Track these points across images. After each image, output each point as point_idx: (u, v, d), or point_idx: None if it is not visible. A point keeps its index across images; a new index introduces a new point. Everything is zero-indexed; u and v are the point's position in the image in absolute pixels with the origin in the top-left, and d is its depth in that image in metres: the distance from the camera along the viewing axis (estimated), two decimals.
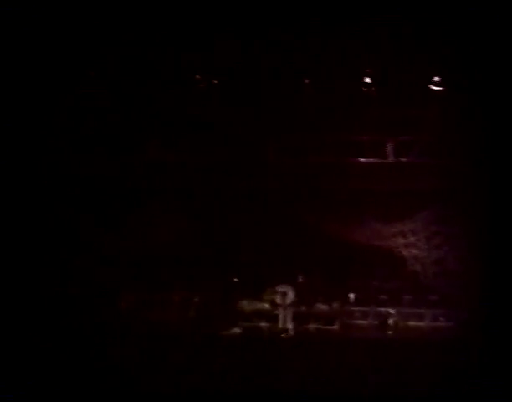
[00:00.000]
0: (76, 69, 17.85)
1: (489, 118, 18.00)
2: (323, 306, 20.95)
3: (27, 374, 16.32)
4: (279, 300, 20.13)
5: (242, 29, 17.38)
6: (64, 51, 17.15)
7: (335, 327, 20.68)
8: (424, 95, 18.90)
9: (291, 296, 20.06)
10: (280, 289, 20.16)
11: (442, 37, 17.45)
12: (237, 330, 20.07)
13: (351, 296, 21.08)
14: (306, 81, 18.80)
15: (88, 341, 18.06)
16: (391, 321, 20.39)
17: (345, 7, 16.86)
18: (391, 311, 20.58)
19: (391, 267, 21.25)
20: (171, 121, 19.66)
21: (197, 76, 18.77)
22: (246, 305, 20.83)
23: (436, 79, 18.73)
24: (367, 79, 18.82)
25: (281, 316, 20.05)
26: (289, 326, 19.93)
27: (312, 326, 20.68)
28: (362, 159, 20.17)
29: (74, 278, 19.56)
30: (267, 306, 20.62)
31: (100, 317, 19.20)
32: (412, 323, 20.72)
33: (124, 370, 17.43)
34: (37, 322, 17.66)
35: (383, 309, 20.70)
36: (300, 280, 20.79)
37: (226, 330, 19.78)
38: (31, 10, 16.08)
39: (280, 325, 20.03)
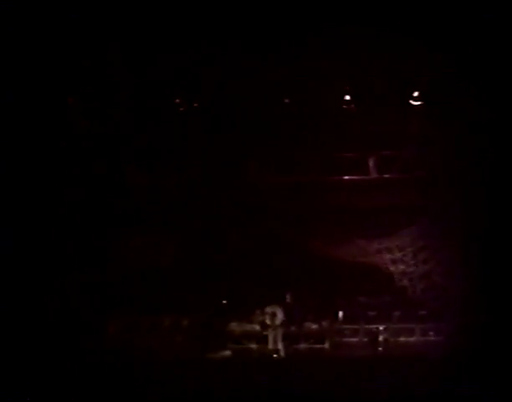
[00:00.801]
0: (54, 94, 17.87)
1: (473, 131, 18.10)
2: (312, 325, 20.92)
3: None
4: (268, 320, 20.05)
5: (220, 50, 17.46)
6: (42, 76, 17.17)
7: (325, 345, 20.65)
8: (405, 110, 18.96)
9: (280, 316, 19.99)
10: (269, 310, 20.11)
11: (422, 51, 17.55)
12: (226, 352, 20.04)
13: (340, 313, 21.06)
14: (286, 100, 18.88)
15: (74, 366, 17.94)
16: (381, 337, 20.39)
17: (322, 23, 16.95)
18: (381, 327, 20.57)
19: (379, 283, 21.25)
20: (151, 144, 19.74)
21: (177, 100, 18.87)
22: (235, 327, 20.78)
23: (416, 93, 18.78)
24: (347, 97, 18.88)
25: (271, 337, 19.95)
26: (280, 346, 19.85)
27: (302, 345, 20.65)
28: (345, 176, 20.25)
29: (60, 302, 19.45)
30: (256, 327, 20.58)
31: (87, 342, 19.14)
32: (402, 339, 20.68)
33: (111, 395, 17.31)
34: (20, 346, 17.49)
35: (373, 326, 20.67)
36: (289, 299, 20.77)
37: (215, 353, 19.74)
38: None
39: (270, 346, 19.93)
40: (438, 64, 17.80)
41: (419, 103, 18.81)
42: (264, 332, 20.24)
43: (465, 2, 15.96)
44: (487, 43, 16.31)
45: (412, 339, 20.75)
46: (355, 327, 20.98)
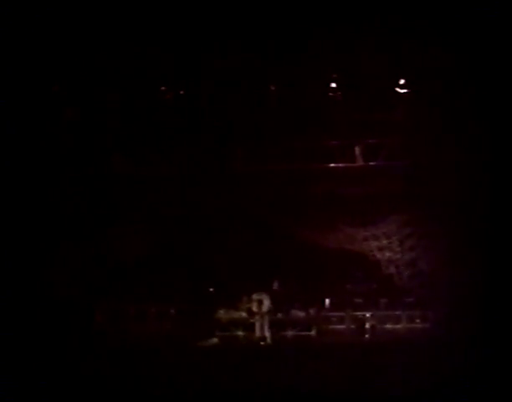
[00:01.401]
0: (40, 83, 17.82)
1: (458, 119, 18.12)
2: (299, 313, 21.03)
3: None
4: (255, 308, 20.14)
5: (205, 38, 17.38)
6: (29, 66, 17.09)
7: (312, 333, 20.74)
8: (391, 98, 18.97)
9: (267, 303, 20.06)
10: (256, 297, 20.18)
11: (407, 39, 17.51)
12: (214, 340, 20.09)
13: (327, 301, 21.16)
14: (272, 88, 18.86)
15: (64, 354, 17.92)
16: (367, 324, 20.49)
17: (309, 12, 16.89)
18: (368, 314, 20.69)
19: (366, 271, 21.41)
20: (137, 133, 19.72)
21: (163, 88, 18.83)
22: (222, 314, 20.87)
23: (402, 81, 18.78)
24: (333, 84, 18.88)
25: (258, 325, 20.08)
26: (267, 334, 19.95)
27: (289, 333, 20.76)
28: (332, 164, 20.29)
29: (49, 292, 19.45)
30: (243, 314, 20.68)
31: (76, 330, 19.17)
32: (388, 326, 20.83)
33: (100, 383, 17.30)
34: (12, 335, 17.49)
35: (359, 313, 20.81)
36: (276, 287, 20.86)
37: (203, 340, 19.79)
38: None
39: (257, 333, 20.05)
40: (424, 53, 17.78)
41: (405, 91, 18.83)
42: (251, 320, 20.39)
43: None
44: (472, 34, 16.29)
45: (398, 326, 20.94)
46: (342, 314, 21.18)
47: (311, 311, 21.00)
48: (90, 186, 20.16)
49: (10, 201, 17.82)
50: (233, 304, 20.87)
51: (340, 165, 20.26)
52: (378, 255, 21.20)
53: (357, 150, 20.24)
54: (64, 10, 16.31)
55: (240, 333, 20.58)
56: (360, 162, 20.28)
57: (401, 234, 21.01)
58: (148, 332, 20.27)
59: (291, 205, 20.63)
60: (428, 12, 16.42)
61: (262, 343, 19.78)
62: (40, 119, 18.54)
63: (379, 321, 20.69)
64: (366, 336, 20.29)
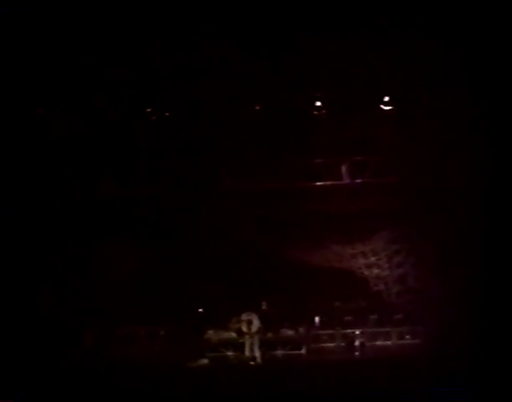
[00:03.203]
0: (25, 106, 17.81)
1: (443, 135, 18.20)
2: (289, 332, 20.97)
3: None
4: (244, 328, 20.07)
5: (190, 60, 17.47)
6: (14, 89, 17.09)
7: (302, 351, 20.70)
8: (375, 115, 19.07)
9: (256, 323, 20.03)
10: (245, 317, 20.14)
11: (392, 56, 17.61)
12: (204, 361, 20.02)
13: (316, 319, 21.13)
14: (257, 107, 18.95)
15: (53, 377, 17.83)
16: (357, 342, 20.45)
17: (293, 31, 16.98)
18: (357, 332, 20.65)
19: (355, 288, 21.36)
20: (124, 155, 19.75)
21: (148, 109, 18.89)
22: (212, 335, 20.80)
23: (386, 98, 18.86)
24: (318, 103, 18.96)
25: (248, 345, 20.01)
26: (257, 353, 19.87)
27: (279, 352, 20.70)
28: (318, 182, 20.37)
29: (38, 315, 19.36)
30: (233, 335, 20.60)
31: (66, 354, 19.08)
32: (378, 343, 20.80)
33: None
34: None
35: (349, 331, 20.77)
36: (264, 307, 20.83)
37: (193, 361, 19.72)
38: None
39: (247, 353, 19.98)
40: (408, 69, 17.86)
41: (390, 108, 18.92)
42: (241, 340, 20.31)
43: (432, 9, 16.08)
44: (458, 49, 16.42)
45: (388, 343, 20.91)
46: (332, 332, 21.15)
47: (301, 329, 20.91)
48: (77, 209, 20.14)
49: None
50: (223, 324, 20.79)
51: (327, 183, 20.41)
52: (366, 272, 21.23)
53: (343, 167, 20.37)
54: (49, 32, 16.35)
55: (230, 354, 20.50)
56: (346, 180, 20.42)
57: (389, 251, 21.08)
58: (137, 354, 20.14)
59: (278, 224, 20.66)
60: (413, 27, 16.54)
61: (252, 363, 19.70)
62: (25, 142, 18.46)
63: (369, 338, 20.65)
64: (357, 353, 20.20)
